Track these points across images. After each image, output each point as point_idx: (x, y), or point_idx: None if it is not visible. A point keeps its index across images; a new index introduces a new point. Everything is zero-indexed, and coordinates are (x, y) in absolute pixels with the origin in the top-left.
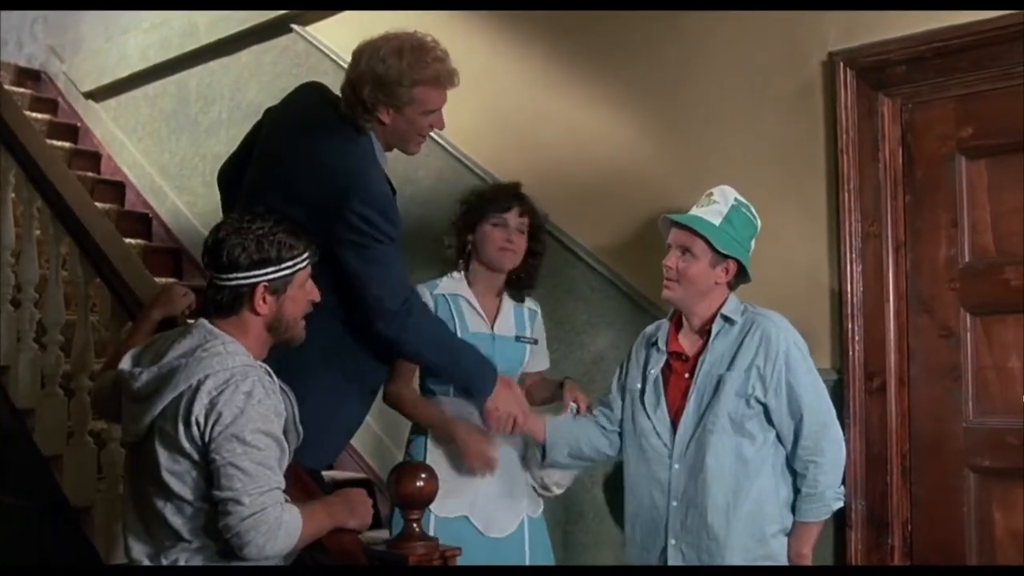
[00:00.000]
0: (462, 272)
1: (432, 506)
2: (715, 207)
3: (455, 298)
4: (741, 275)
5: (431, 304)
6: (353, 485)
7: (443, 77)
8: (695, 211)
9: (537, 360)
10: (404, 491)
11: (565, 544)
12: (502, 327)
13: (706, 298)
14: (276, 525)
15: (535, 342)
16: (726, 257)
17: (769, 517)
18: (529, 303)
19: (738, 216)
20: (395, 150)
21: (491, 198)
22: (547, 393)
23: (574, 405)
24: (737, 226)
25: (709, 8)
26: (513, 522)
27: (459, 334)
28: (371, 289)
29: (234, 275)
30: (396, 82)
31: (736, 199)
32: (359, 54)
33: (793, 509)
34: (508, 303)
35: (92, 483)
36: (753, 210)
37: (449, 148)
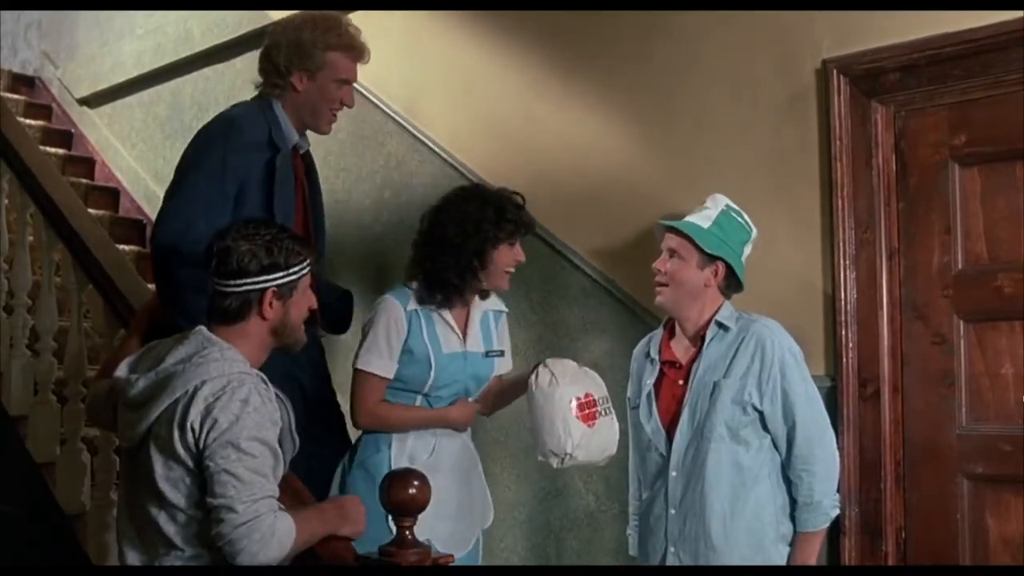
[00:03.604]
0: (423, 285)
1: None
2: (705, 212)
3: (428, 313)
4: (734, 282)
5: (404, 322)
6: None
7: (355, 46)
8: (687, 218)
9: (501, 368)
10: (396, 498)
11: (559, 551)
12: (473, 342)
13: (697, 302)
14: (269, 533)
15: (502, 354)
16: (714, 259)
17: (767, 525)
18: (494, 302)
19: (727, 220)
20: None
21: (516, 218)
22: (507, 394)
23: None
24: (726, 229)
25: (703, 8)
26: (472, 538)
27: (431, 355)
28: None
29: (243, 280)
30: (311, 44)
31: (727, 205)
32: (275, 26)
33: (791, 518)
34: (477, 310)
35: (85, 490)
36: (746, 217)
37: (443, 154)
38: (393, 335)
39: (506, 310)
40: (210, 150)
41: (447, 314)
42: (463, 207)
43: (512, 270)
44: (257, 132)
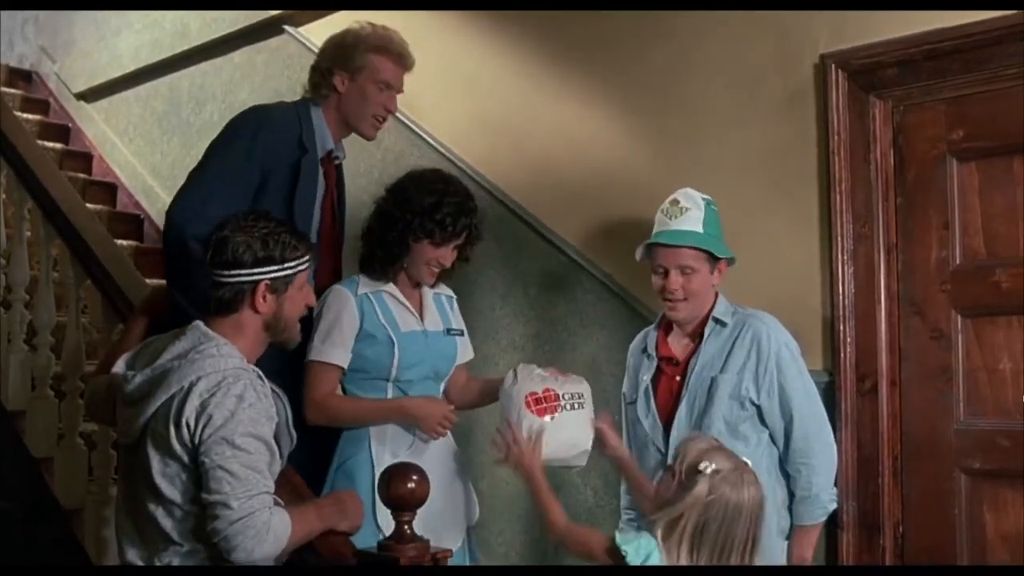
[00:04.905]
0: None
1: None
2: (691, 214)
3: (379, 295)
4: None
5: (355, 308)
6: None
7: (393, 49)
8: (673, 224)
9: (464, 351)
10: (395, 493)
11: (556, 549)
12: (431, 321)
13: (706, 304)
14: (264, 529)
15: (462, 333)
16: (717, 259)
17: (767, 520)
18: (444, 289)
19: (711, 215)
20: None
21: (446, 223)
22: (492, 391)
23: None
24: (715, 225)
25: (702, 8)
26: (459, 536)
27: (392, 334)
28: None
29: (237, 272)
30: (352, 46)
31: (703, 199)
32: (326, 40)
33: (790, 511)
34: (428, 293)
35: (83, 485)
36: (712, 201)
37: (440, 149)
38: (345, 322)
39: (454, 296)
40: (239, 136)
41: (399, 294)
42: (408, 187)
43: (435, 268)
44: (288, 129)
